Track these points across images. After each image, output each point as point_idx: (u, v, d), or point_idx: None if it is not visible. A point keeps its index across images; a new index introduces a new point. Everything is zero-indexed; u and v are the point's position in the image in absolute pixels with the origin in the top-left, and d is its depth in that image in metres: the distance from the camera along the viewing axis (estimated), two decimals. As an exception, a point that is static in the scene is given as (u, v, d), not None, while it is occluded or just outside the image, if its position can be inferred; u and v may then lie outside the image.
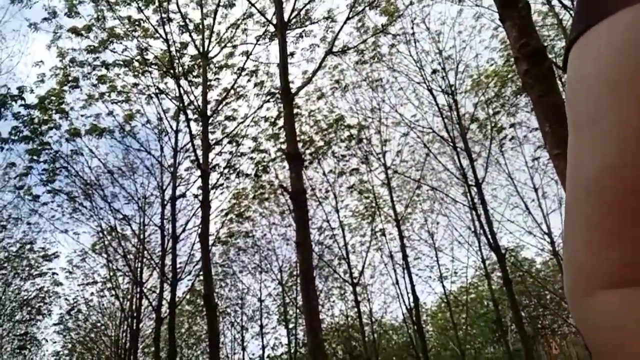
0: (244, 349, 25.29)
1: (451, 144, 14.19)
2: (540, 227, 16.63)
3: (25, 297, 21.46)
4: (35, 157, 13.23)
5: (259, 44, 12.44)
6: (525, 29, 2.84)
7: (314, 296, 6.43)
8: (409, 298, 18.62)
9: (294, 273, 21.27)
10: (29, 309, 22.18)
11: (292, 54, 12.30)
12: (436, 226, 20.44)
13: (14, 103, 11.46)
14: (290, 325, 23.86)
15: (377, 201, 18.16)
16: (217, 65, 13.29)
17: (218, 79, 13.47)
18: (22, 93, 12.02)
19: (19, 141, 12.19)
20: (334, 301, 23.99)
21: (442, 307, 27.14)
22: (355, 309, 20.24)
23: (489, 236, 13.20)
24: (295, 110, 12.46)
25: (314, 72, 8.54)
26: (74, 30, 12.47)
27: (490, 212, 14.26)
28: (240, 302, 25.07)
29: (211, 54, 12.34)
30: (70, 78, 12.82)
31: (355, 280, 18.36)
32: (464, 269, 21.15)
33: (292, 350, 23.76)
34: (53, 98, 13.00)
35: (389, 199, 17.30)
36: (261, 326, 24.67)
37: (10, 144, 12.83)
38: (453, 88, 14.47)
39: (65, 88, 12.93)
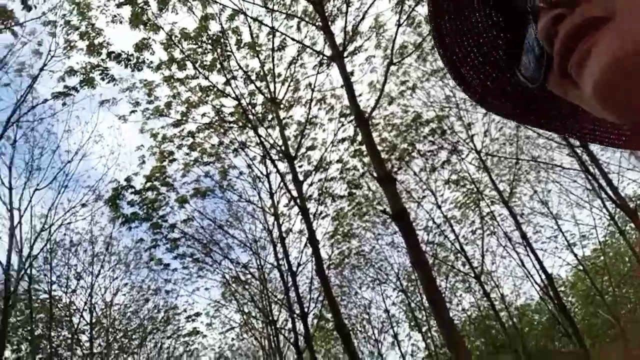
0: (384, 361, 25.40)
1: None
2: (668, 167, 14.94)
3: (177, 356, 23.52)
4: (157, 230, 14.73)
5: (320, 72, 12.78)
6: None
7: (435, 293, 6.38)
8: (540, 275, 17.61)
9: (413, 277, 21.06)
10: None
11: (351, 73, 12.46)
12: (548, 194, 19.21)
13: (125, 193, 12.89)
14: (424, 329, 23.58)
15: (478, 186, 17.52)
16: (286, 104, 13.84)
17: (291, 116, 14.02)
18: (129, 182, 13.47)
19: (139, 221, 13.64)
20: (460, 295, 23.35)
21: (580, 275, 25.16)
22: (485, 299, 19.54)
23: (610, 192, 12.15)
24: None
25: (382, 89, 8.59)
26: (158, 111, 13.72)
27: (605, 165, 13.15)
28: (366, 316, 25.31)
29: (279, 96, 12.90)
30: (166, 154, 14.10)
31: (477, 271, 17.75)
32: (592, 230, 19.48)
33: (433, 353, 23.40)
34: (157, 174, 14.39)
35: (489, 181, 16.62)
36: (394, 335, 24.68)
37: (133, 223, 14.42)
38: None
39: (165, 163, 14.24)
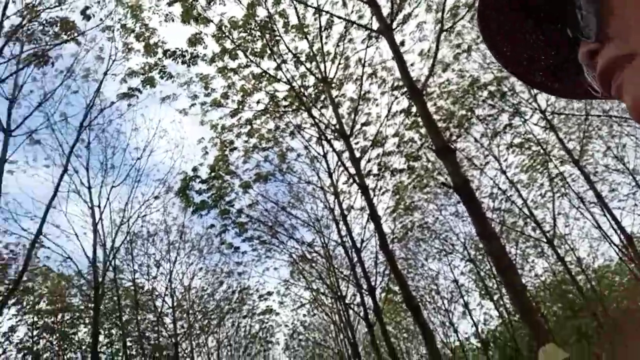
0: (455, 330, 25.28)
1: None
2: None
3: (253, 333, 24.69)
4: (225, 216, 15.44)
5: (369, 47, 12.61)
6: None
7: (504, 263, 6.28)
8: (618, 235, 16.69)
9: (480, 246, 20.62)
10: (260, 341, 25.45)
11: (401, 43, 12.20)
12: (623, 149, 17.97)
13: (193, 183, 13.58)
14: (495, 297, 23.13)
15: (545, 147, 16.71)
16: (337, 82, 13.81)
17: (343, 94, 13.98)
18: (195, 171, 14.14)
19: (208, 209, 14.34)
20: (533, 261, 22.62)
21: (664, 232, 23.52)
22: (560, 263, 18.83)
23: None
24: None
25: (435, 57, 8.33)
26: (215, 102, 14.18)
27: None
28: (434, 287, 25.19)
29: (330, 75, 12.89)
30: (226, 143, 14.60)
31: (549, 235, 17.10)
32: (676, 183, 18.05)
33: (506, 320, 22.96)
34: (220, 163, 14.97)
35: (557, 141, 15.81)
36: (465, 305, 24.42)
37: (202, 211, 15.19)
38: None
39: (226, 152, 14.76)
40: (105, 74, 14.28)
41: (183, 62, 12.02)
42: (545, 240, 17.08)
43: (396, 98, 13.39)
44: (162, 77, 13.35)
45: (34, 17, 10.69)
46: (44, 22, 11.09)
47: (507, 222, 18.84)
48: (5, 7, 10.31)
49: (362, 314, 15.35)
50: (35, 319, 21.56)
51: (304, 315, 25.33)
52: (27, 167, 14.74)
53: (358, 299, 16.30)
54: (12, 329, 20.43)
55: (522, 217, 18.64)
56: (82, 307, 21.55)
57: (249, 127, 14.42)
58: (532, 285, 22.71)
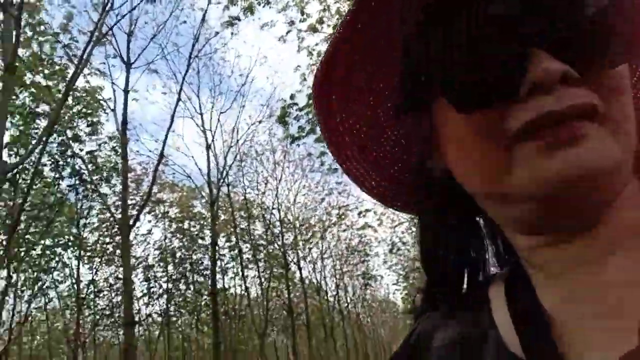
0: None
1: None
2: None
3: (353, 246, 26.23)
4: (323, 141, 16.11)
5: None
6: None
7: None
8: None
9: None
10: (359, 254, 27.05)
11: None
12: None
13: (291, 110, 14.22)
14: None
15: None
16: None
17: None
18: (292, 98, 14.72)
19: (305, 136, 15.05)
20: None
21: None
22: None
23: None
24: None
25: None
26: (311, 28, 14.24)
27: None
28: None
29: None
30: (322, 69, 14.82)
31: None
32: None
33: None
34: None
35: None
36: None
37: (300, 140, 15.97)
38: None
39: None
40: (209, 1, 14.95)
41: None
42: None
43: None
44: (259, 4, 13.67)
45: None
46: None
47: None
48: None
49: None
50: (168, 224, 25.03)
51: (402, 232, 26.04)
52: (148, 94, 16.49)
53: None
54: (149, 231, 24.07)
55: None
56: (205, 217, 24.42)
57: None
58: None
